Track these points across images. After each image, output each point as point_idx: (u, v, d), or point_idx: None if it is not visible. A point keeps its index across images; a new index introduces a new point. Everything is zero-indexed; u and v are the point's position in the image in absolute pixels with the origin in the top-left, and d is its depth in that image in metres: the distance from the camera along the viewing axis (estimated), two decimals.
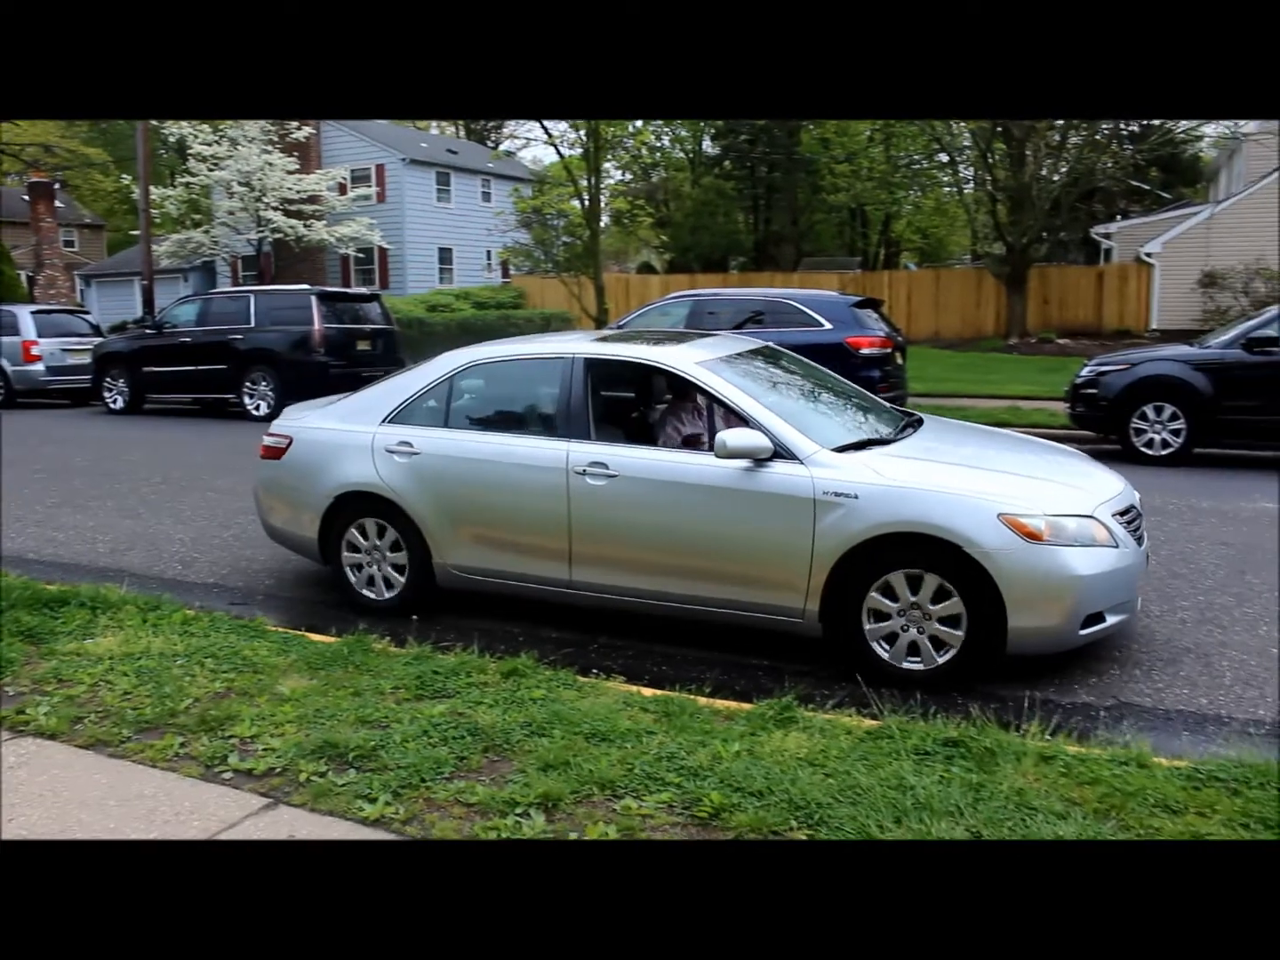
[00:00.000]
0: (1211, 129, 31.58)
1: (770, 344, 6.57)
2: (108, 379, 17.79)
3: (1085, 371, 11.75)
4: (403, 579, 5.81)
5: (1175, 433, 10.88)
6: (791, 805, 3.33)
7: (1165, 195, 35.03)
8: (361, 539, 5.89)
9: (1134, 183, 32.04)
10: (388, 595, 5.87)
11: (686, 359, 5.47)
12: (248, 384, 16.29)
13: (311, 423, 6.25)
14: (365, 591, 5.93)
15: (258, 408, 16.18)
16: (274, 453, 6.23)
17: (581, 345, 5.77)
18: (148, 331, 17.95)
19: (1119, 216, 32.36)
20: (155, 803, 3.47)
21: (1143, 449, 10.95)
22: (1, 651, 4.79)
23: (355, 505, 5.86)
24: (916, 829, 3.16)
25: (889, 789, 3.41)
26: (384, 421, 5.88)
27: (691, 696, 4.37)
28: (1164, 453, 10.89)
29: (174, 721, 4.10)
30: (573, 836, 3.19)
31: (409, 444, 5.72)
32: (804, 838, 3.18)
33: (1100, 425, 11.47)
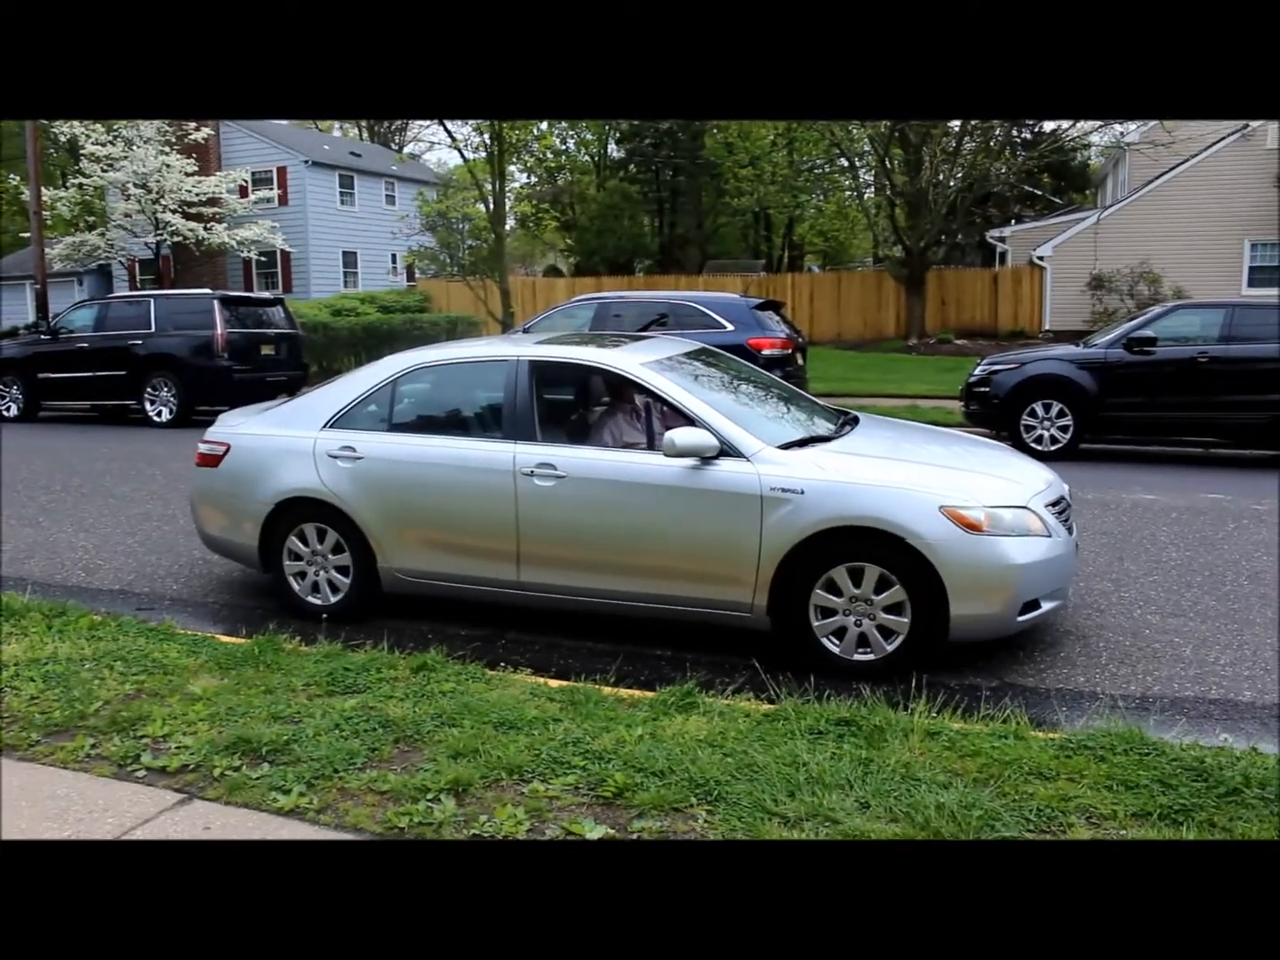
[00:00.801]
0: (1098, 138, 32.87)
1: (707, 346, 6.72)
2: (0, 385, 17.32)
3: (978, 371, 12.20)
4: (347, 581, 5.82)
5: (1063, 429, 11.36)
6: (692, 783, 3.51)
7: (1056, 200, 36.24)
8: (303, 545, 5.88)
9: (1027, 188, 33.09)
10: (333, 600, 5.87)
11: (631, 361, 5.58)
12: (149, 390, 16.00)
13: (249, 429, 6.20)
14: (310, 598, 5.91)
15: (159, 414, 15.90)
16: (210, 460, 6.16)
17: (526, 348, 5.83)
18: (42, 337, 17.51)
19: (1013, 221, 33.37)
20: (68, 802, 3.51)
21: (1032, 444, 11.40)
22: None
23: (297, 511, 5.83)
24: (809, 802, 3.36)
25: (784, 766, 3.61)
26: (326, 426, 5.87)
27: (596, 686, 4.51)
28: (1052, 448, 11.36)
29: (84, 724, 4.12)
30: (483, 821, 3.33)
31: (352, 448, 5.72)
32: (744, 837, 3.35)
33: (992, 422, 11.92)
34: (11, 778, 3.70)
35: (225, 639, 5.28)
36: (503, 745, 3.80)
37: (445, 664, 4.76)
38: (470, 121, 22.64)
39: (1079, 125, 28.16)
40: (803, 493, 4.90)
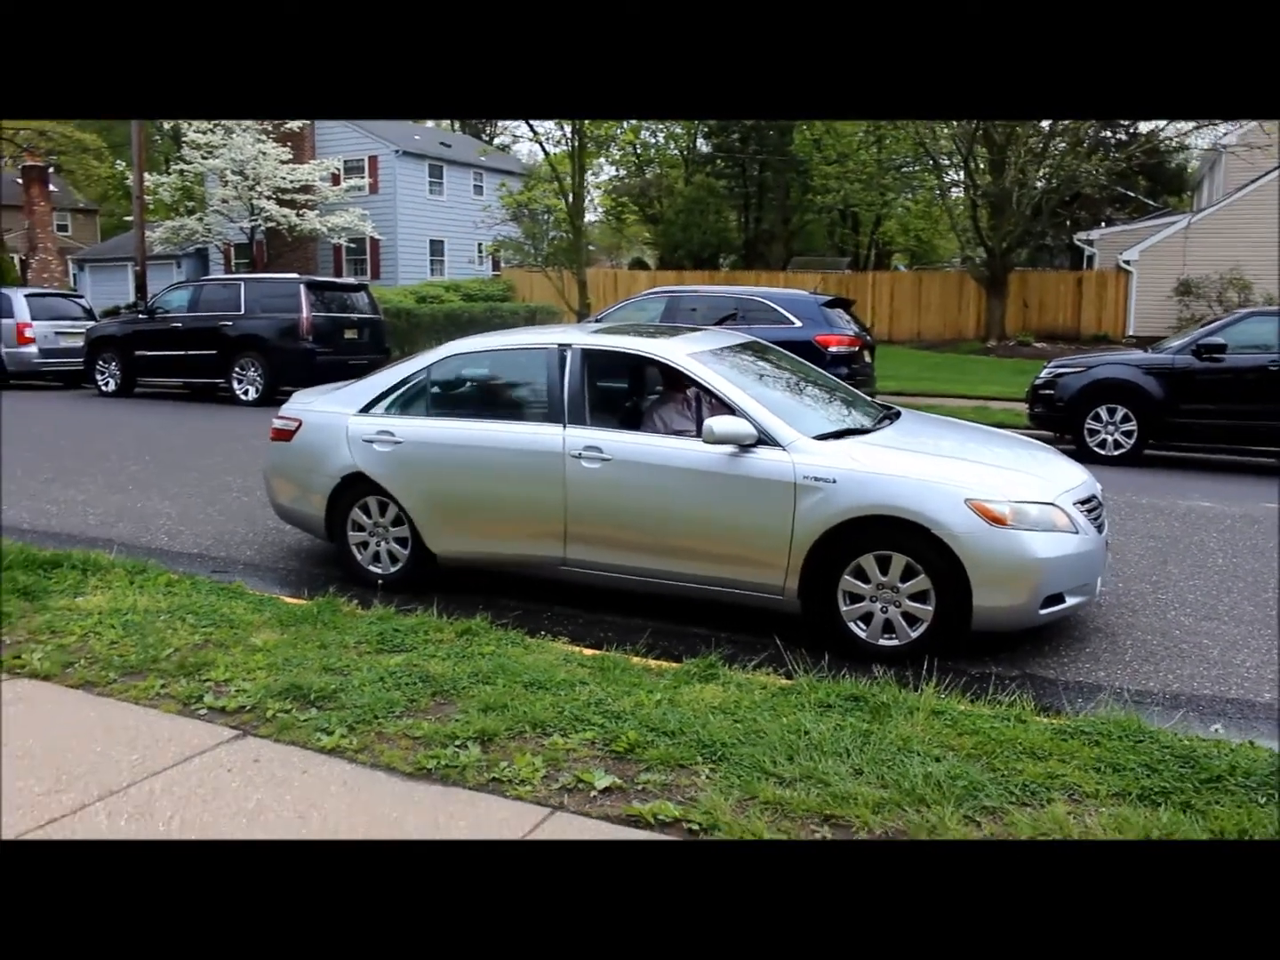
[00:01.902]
0: (1196, 140, 32.17)
1: (757, 339, 6.98)
2: (100, 362, 18.14)
3: (1044, 373, 12.20)
4: (406, 553, 6.16)
5: (1127, 434, 11.33)
6: (699, 744, 3.77)
7: (1150, 203, 35.55)
8: (365, 517, 6.24)
9: (1119, 190, 32.54)
10: (392, 569, 6.23)
11: (678, 351, 5.84)
12: (236, 369, 16.68)
13: (320, 406, 6.59)
14: (370, 567, 6.28)
15: (246, 393, 16.57)
16: (284, 435, 6.59)
17: (578, 336, 6.11)
18: (140, 316, 18.31)
19: (1103, 224, 32.84)
20: (137, 733, 3.91)
21: (1096, 449, 11.40)
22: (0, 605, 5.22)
23: (360, 485, 6.19)
24: (805, 765, 3.60)
25: (788, 733, 3.85)
26: (361, 410, 6.29)
27: (626, 656, 4.79)
28: (1116, 453, 11.34)
29: (155, 667, 4.54)
30: (503, 767, 3.63)
31: (390, 433, 6.08)
32: (737, 836, 3.60)
33: (1056, 425, 11.92)
34: (89, 710, 4.12)
35: (289, 600, 5.67)
36: (530, 702, 4.11)
37: (489, 629, 5.09)
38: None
39: (1175, 126, 27.66)
40: (834, 482, 5.11)
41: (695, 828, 3.25)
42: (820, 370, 7.02)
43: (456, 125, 53.44)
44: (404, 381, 6.28)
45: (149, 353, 17.54)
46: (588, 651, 4.91)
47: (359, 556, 6.30)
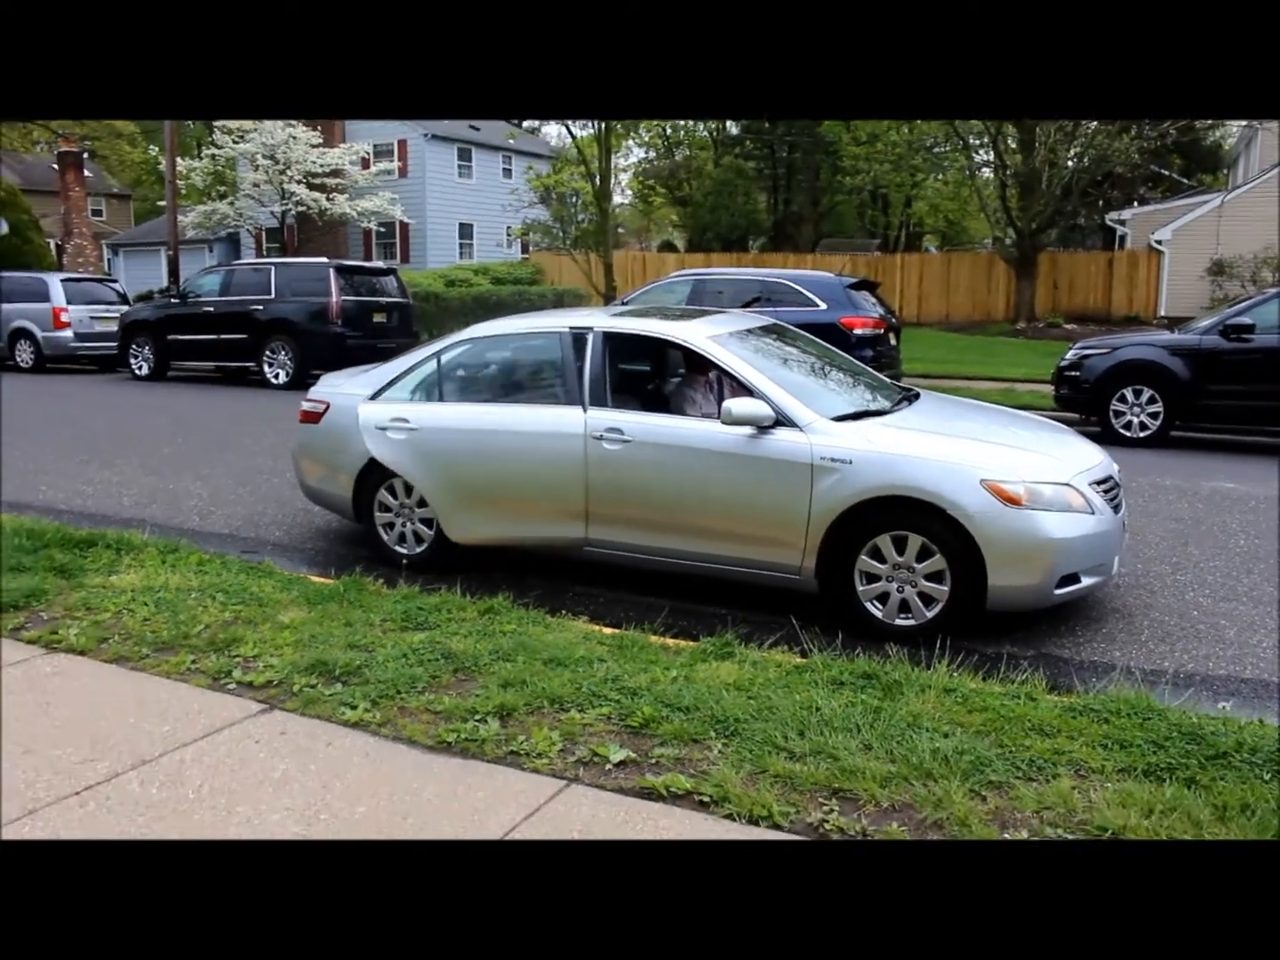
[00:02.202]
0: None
1: (778, 321, 7.03)
2: (133, 346, 18.41)
3: (1070, 355, 12.16)
4: (431, 534, 6.26)
5: (1153, 415, 11.29)
6: (713, 719, 3.86)
7: (1185, 181, 35.10)
8: (392, 498, 6.35)
9: (1153, 168, 32.15)
10: (417, 550, 6.34)
11: (698, 333, 5.91)
12: (267, 353, 16.88)
13: (348, 389, 6.70)
14: (396, 547, 6.39)
15: (277, 376, 16.77)
16: (312, 417, 6.71)
17: (599, 319, 6.18)
18: (173, 300, 18.56)
19: (1136, 203, 32.49)
20: (168, 706, 4.04)
21: (1121, 430, 11.37)
22: (37, 583, 5.38)
23: (386, 467, 6.28)
24: (816, 740, 3.68)
25: (801, 709, 3.93)
26: (373, 397, 6.39)
27: (645, 634, 4.89)
28: (1142, 435, 11.31)
29: (186, 643, 4.68)
30: (521, 740, 3.73)
31: (405, 419, 6.18)
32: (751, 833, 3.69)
33: (1082, 407, 11.89)
34: (123, 684, 4.26)
35: (316, 579, 5.81)
36: (549, 678, 4.21)
37: (510, 608, 5.20)
38: None
39: None
40: (851, 462, 5.17)
41: (706, 799, 3.34)
42: (840, 352, 7.06)
43: None
44: (422, 367, 6.37)
45: (181, 337, 17.78)
46: (607, 630, 5.00)
47: (385, 537, 6.41)
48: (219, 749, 3.69)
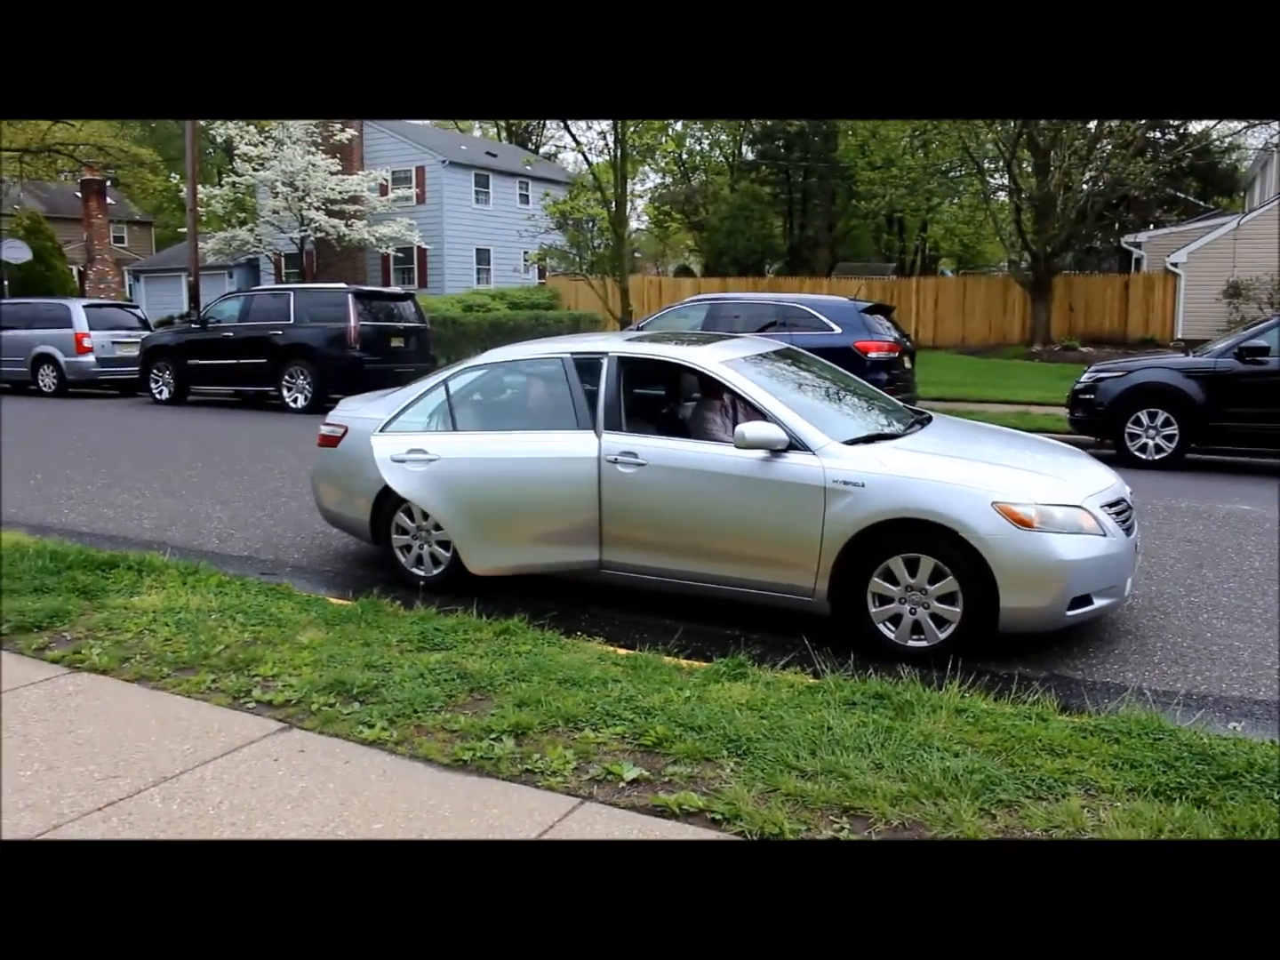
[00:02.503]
0: (1248, 140, 31.77)
1: (791, 346, 7.10)
2: (154, 371, 18.60)
3: (1084, 378, 12.18)
4: (448, 555, 6.30)
5: (1168, 438, 11.29)
6: (725, 739, 3.91)
7: (1201, 204, 35.12)
8: (409, 521, 6.40)
9: (1169, 191, 32.18)
10: (434, 572, 6.38)
11: (712, 358, 5.98)
12: (286, 378, 17.03)
13: (366, 413, 6.78)
14: (413, 569, 6.43)
15: (295, 401, 16.92)
16: (330, 441, 6.80)
17: (615, 344, 6.24)
18: (193, 326, 18.73)
19: (1152, 226, 32.51)
20: (189, 724, 4.11)
21: (1137, 453, 11.37)
22: (60, 604, 5.48)
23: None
24: (827, 760, 3.72)
25: (812, 729, 3.97)
26: (383, 429, 6.41)
27: (659, 655, 4.93)
28: (1157, 457, 11.30)
29: (207, 662, 4.75)
30: (536, 759, 3.78)
31: (424, 450, 6.17)
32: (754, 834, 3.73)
33: (1097, 430, 11.89)
34: (144, 702, 4.33)
35: (334, 600, 5.87)
36: (563, 698, 4.26)
37: (526, 629, 5.25)
38: (595, 124, 23.31)
39: (1226, 125, 27.37)
40: (863, 486, 5.21)
41: (718, 817, 3.38)
42: (853, 376, 7.12)
43: (502, 135, 53.95)
44: (437, 393, 6.40)
45: (201, 361, 17.96)
46: (621, 651, 5.05)
47: (402, 559, 6.48)
48: (239, 766, 3.75)
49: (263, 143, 29.57)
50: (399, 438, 6.21)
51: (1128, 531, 5.51)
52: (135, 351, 19.34)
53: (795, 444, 5.41)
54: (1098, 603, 5.29)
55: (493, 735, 3.94)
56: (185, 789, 3.57)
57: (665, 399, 7.09)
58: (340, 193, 29.84)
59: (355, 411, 6.90)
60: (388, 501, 6.43)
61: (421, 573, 6.42)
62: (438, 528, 6.29)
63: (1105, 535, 5.26)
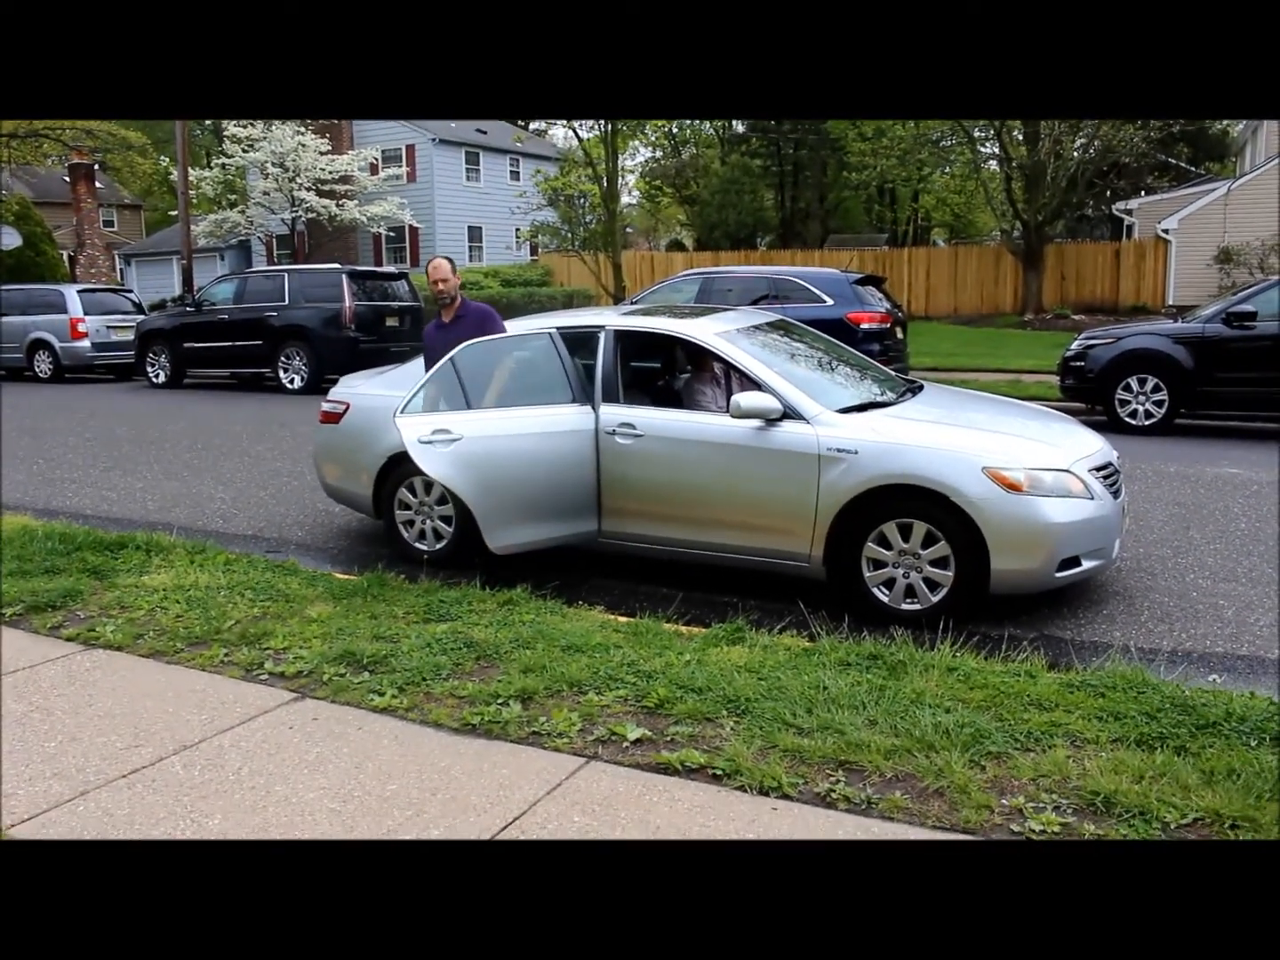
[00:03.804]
0: None
1: (784, 318, 7.20)
2: (150, 355, 18.66)
3: (1074, 345, 12.28)
4: (450, 530, 6.40)
5: (1158, 404, 11.40)
6: (725, 699, 4.05)
7: (1192, 169, 35.08)
8: (411, 496, 6.50)
9: (1161, 157, 32.15)
10: (437, 546, 6.48)
11: (706, 330, 6.10)
12: (282, 359, 17.11)
13: (367, 389, 6.88)
14: (416, 544, 6.53)
15: (292, 381, 17.00)
16: (332, 418, 6.90)
17: (611, 318, 6.35)
18: (187, 309, 18.79)
19: (1143, 192, 32.50)
20: (205, 696, 4.25)
21: (1127, 419, 11.48)
22: (72, 584, 5.61)
23: (407, 465, 6.25)
24: (823, 717, 3.86)
25: (809, 689, 4.11)
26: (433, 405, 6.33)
27: (659, 622, 5.07)
28: (1147, 423, 11.42)
29: (219, 637, 4.89)
30: (543, 721, 3.92)
31: (448, 430, 6.06)
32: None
33: (1087, 397, 12.00)
34: (160, 676, 4.47)
35: (340, 575, 6.01)
36: (567, 664, 4.40)
37: (529, 600, 5.40)
38: None
39: None
40: (856, 453, 5.34)
41: (719, 773, 3.52)
42: (845, 346, 7.23)
43: None
44: (443, 371, 6.43)
45: (197, 344, 18.02)
46: (622, 619, 5.19)
47: (405, 534, 6.59)
48: (255, 735, 3.89)
49: (252, 124, 29.51)
50: (421, 418, 5.89)
51: (1115, 495, 5.64)
52: (130, 336, 19.39)
53: (789, 413, 5.53)
54: (1086, 564, 5.42)
55: (500, 700, 4.08)
56: (205, 757, 3.71)
57: (663, 371, 7.20)
58: (330, 173, 29.81)
59: (356, 388, 7.01)
60: (390, 476, 6.53)
61: (424, 547, 6.52)
62: (441, 502, 6.38)
63: (1093, 499, 5.38)
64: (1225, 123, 38.61)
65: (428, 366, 6.17)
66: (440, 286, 6.17)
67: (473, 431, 5.77)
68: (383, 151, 33.81)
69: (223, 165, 30.67)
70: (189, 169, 25.80)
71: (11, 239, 27.65)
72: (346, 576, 5.97)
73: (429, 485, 6.40)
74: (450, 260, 6.46)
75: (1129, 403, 11.55)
